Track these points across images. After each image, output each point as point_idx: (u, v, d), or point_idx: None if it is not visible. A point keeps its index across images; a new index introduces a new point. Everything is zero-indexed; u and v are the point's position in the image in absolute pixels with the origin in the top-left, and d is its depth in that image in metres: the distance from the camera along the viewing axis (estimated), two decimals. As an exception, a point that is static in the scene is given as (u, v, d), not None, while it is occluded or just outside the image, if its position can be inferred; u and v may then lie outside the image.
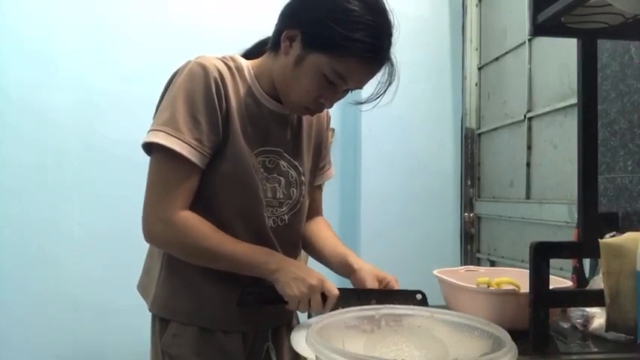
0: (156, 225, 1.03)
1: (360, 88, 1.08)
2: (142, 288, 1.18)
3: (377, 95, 1.10)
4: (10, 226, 2.55)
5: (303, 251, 1.28)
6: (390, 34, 1.04)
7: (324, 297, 1.02)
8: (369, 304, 0.94)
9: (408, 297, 1.08)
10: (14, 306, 2.54)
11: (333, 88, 1.05)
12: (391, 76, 1.08)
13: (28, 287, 2.54)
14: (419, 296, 1.09)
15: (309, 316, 1.17)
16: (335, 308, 0.95)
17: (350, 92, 1.10)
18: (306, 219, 1.24)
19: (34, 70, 2.59)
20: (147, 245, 1.17)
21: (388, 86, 1.09)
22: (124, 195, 2.50)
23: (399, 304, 0.90)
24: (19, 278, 2.54)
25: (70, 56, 2.62)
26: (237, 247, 1.04)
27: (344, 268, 1.19)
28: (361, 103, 1.14)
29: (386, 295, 1.08)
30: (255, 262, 1.04)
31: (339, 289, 1.04)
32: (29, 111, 2.57)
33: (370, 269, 1.16)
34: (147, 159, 1.07)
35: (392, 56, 1.06)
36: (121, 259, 2.44)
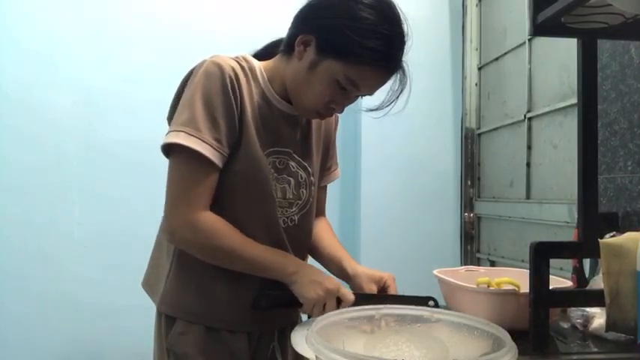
0: (180, 226, 1.04)
1: (371, 94, 1.09)
2: (148, 285, 1.18)
3: (389, 102, 1.11)
4: (10, 226, 2.55)
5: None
6: (403, 43, 1.05)
7: (339, 302, 1.03)
8: None
9: (420, 304, 1.07)
10: (14, 306, 2.53)
11: (345, 94, 1.06)
12: (402, 83, 1.09)
13: (28, 287, 2.53)
14: (431, 303, 1.09)
15: (309, 316, 1.17)
16: None
17: (360, 98, 1.11)
18: None
19: (34, 70, 2.58)
20: (148, 245, 1.17)
21: (399, 94, 1.10)
22: (124, 195, 2.51)
23: None
24: (19, 278, 2.53)
25: (70, 56, 2.61)
26: (257, 250, 1.05)
27: (340, 273, 1.21)
28: (373, 110, 1.14)
29: (399, 301, 1.08)
30: (274, 265, 1.05)
31: (354, 293, 1.05)
32: (29, 111, 2.57)
33: (364, 273, 1.17)
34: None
35: (404, 64, 1.07)
36: (121, 260, 2.44)
